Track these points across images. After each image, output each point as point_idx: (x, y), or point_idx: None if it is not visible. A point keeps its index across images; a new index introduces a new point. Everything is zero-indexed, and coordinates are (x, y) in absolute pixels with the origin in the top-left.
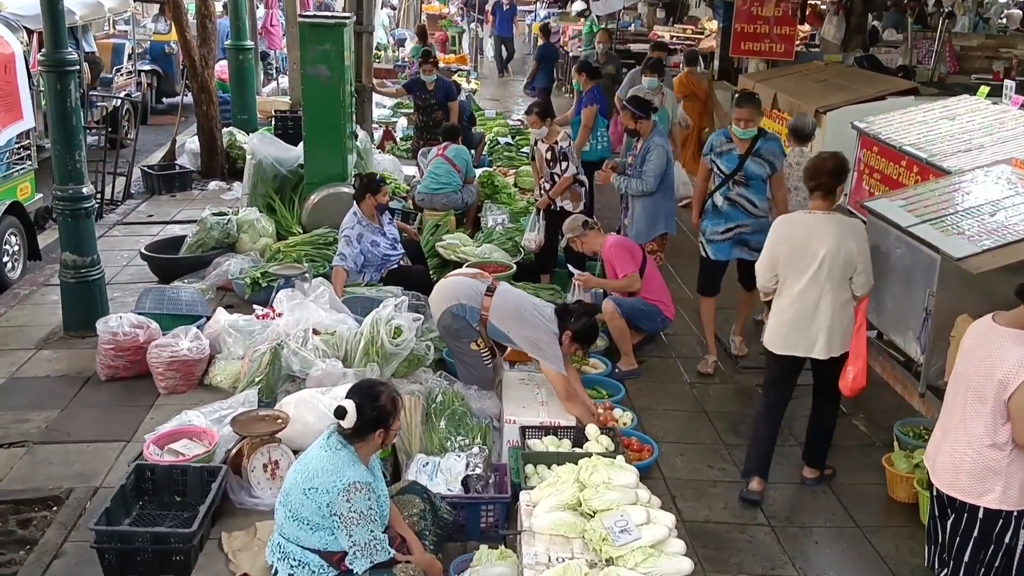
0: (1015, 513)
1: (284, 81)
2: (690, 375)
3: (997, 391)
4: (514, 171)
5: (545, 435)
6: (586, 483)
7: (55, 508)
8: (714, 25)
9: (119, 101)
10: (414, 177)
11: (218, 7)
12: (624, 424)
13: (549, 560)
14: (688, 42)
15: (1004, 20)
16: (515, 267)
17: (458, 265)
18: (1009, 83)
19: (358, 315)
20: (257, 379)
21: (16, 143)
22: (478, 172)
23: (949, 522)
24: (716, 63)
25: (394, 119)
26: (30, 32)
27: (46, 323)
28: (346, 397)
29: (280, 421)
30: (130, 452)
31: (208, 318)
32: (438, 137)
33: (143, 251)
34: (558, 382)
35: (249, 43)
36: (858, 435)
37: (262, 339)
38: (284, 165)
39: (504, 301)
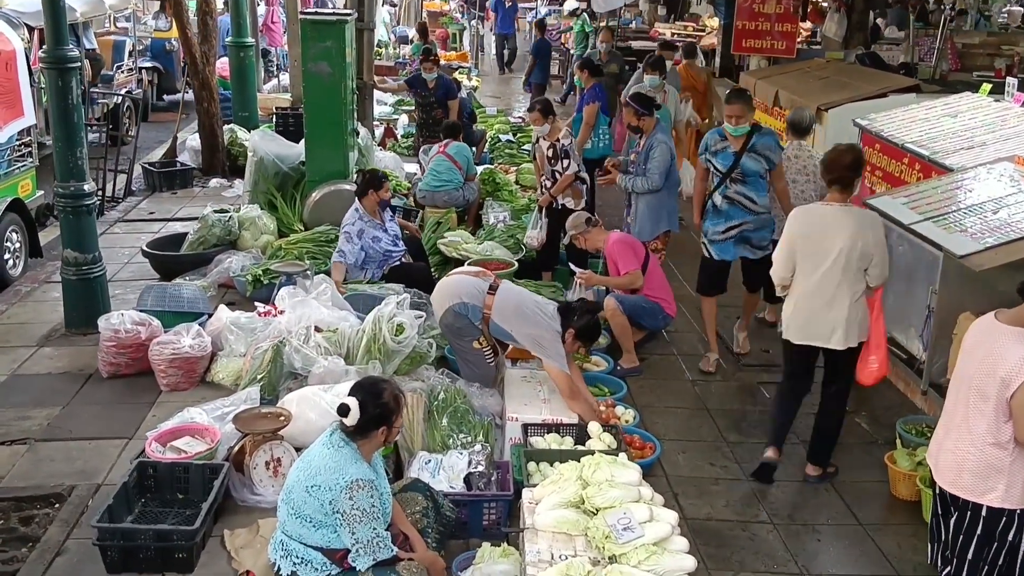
0: (1018, 511)
1: (285, 78)
2: (692, 372)
3: (999, 389)
4: (515, 168)
5: (547, 432)
6: (589, 480)
7: (57, 505)
8: (715, 22)
9: (120, 98)
10: (415, 174)
11: (219, 4)
12: (626, 422)
13: (552, 558)
14: (689, 39)
15: (1005, 18)
16: (517, 264)
17: (460, 263)
18: (1011, 80)
19: (360, 312)
20: (259, 376)
21: (17, 140)
22: (479, 169)
23: (952, 520)
24: (717, 60)
25: (395, 116)
26: (31, 29)
27: (47, 320)
28: (349, 394)
29: (282, 418)
30: (132, 449)
31: (210, 315)
32: (439, 135)
33: (144, 248)
34: (561, 380)
35: (250, 40)
36: (860, 433)
37: (264, 336)
38: (286, 162)
39: (506, 299)
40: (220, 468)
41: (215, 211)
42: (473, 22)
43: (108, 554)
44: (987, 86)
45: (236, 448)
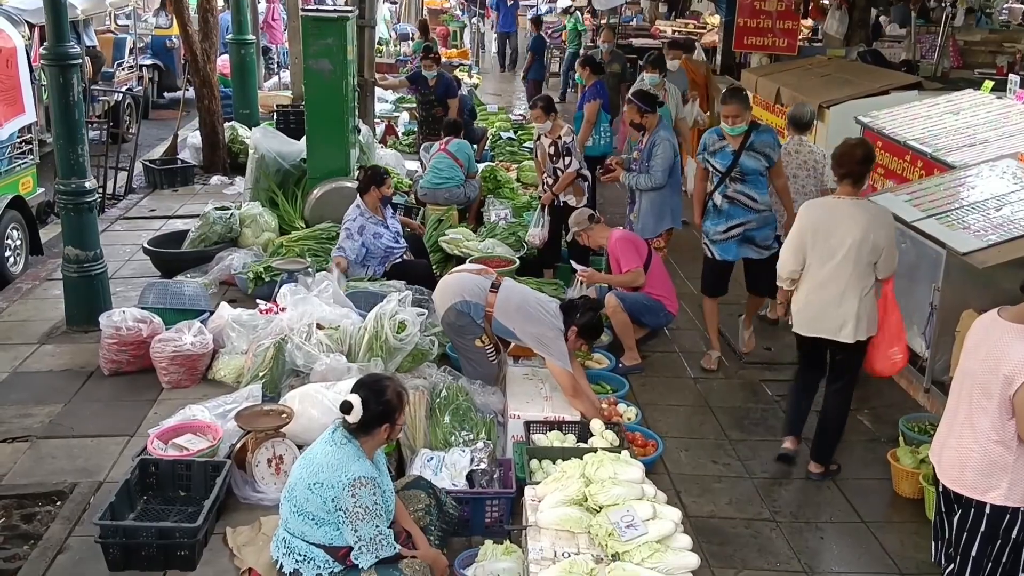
0: (1021, 509)
1: (286, 76)
2: (694, 370)
3: (1003, 387)
4: (516, 166)
5: (549, 430)
6: (592, 478)
7: (59, 503)
8: (716, 19)
9: (120, 96)
10: (416, 172)
11: (220, 1)
12: (628, 419)
13: (555, 555)
14: (690, 37)
15: (1006, 15)
16: (518, 262)
17: (461, 260)
18: (1014, 78)
19: (361, 310)
20: (261, 374)
21: (18, 137)
22: (480, 167)
23: (956, 518)
24: (719, 58)
25: (396, 114)
26: (32, 26)
27: (49, 318)
28: (352, 392)
29: (284, 416)
30: (133, 447)
31: (211, 313)
32: (439, 132)
33: (145, 246)
34: (563, 379)
35: (251, 37)
36: (863, 430)
37: (266, 334)
38: (287, 159)
39: (509, 297)
40: (222, 465)
41: (216, 208)
42: (474, 19)
43: (110, 551)
44: (989, 83)
45: (238, 445)
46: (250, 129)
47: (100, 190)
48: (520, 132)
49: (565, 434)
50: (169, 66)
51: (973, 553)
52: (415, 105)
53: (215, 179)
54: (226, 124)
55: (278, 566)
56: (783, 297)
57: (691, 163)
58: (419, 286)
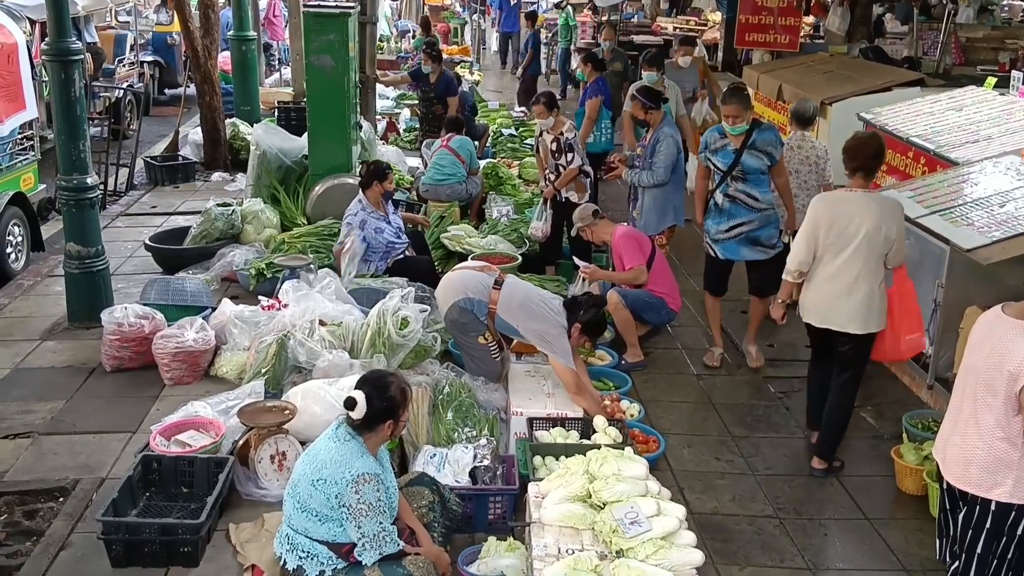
0: None
1: (287, 72)
2: (696, 367)
3: (1008, 383)
4: (518, 163)
5: (552, 427)
6: (596, 475)
7: (61, 499)
8: (717, 16)
9: (121, 92)
10: (418, 168)
11: None
12: (631, 416)
13: (559, 552)
14: (691, 34)
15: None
16: (520, 259)
17: (463, 257)
18: (1017, 74)
19: (364, 306)
20: (263, 370)
21: (19, 133)
22: (482, 163)
23: (961, 515)
24: (720, 55)
25: (397, 111)
26: (33, 22)
27: (50, 314)
28: (355, 388)
29: (287, 412)
30: (136, 443)
31: (213, 309)
32: (439, 130)
33: (147, 242)
34: (566, 376)
35: (252, 34)
36: (866, 427)
37: (268, 330)
38: (288, 156)
39: (512, 294)
40: (225, 462)
41: (218, 205)
42: (474, 16)
43: (113, 548)
44: (992, 79)
45: (241, 442)
46: (251, 126)
47: (101, 187)
48: (521, 129)
49: (568, 431)
50: (170, 63)
51: (978, 550)
52: (416, 102)
53: (216, 176)
54: (227, 121)
55: (281, 562)
56: (785, 294)
57: (692, 160)
58: (421, 282)
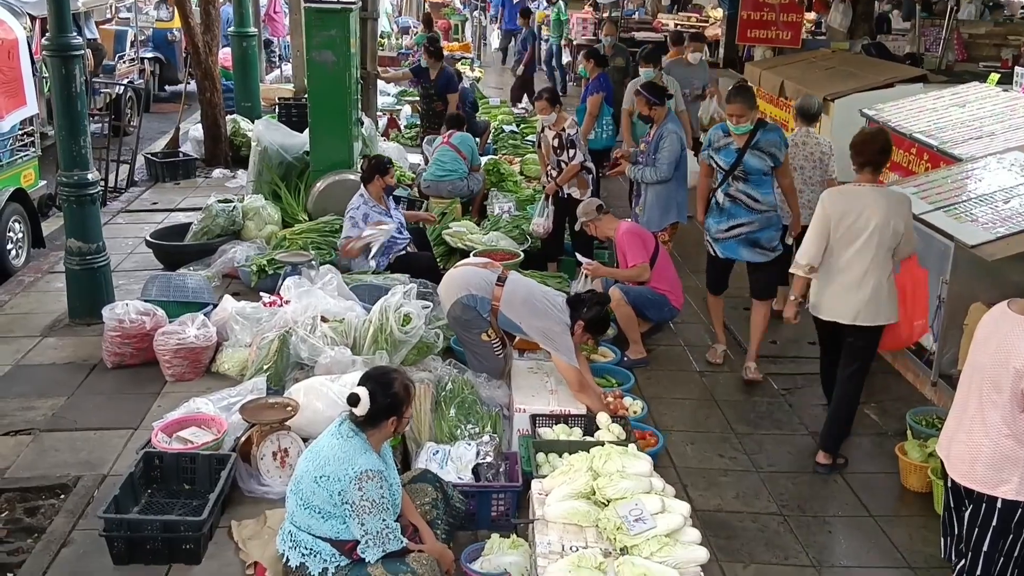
0: None
1: (287, 69)
2: (699, 363)
3: (1014, 380)
4: (519, 159)
5: (556, 423)
6: (600, 471)
7: (62, 496)
8: (719, 13)
9: (122, 88)
10: (419, 165)
11: None
12: (634, 412)
13: (563, 549)
14: (693, 30)
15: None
16: (522, 255)
17: (465, 253)
18: (1020, 70)
19: (365, 303)
20: (265, 367)
21: (20, 130)
22: (483, 160)
23: (967, 513)
24: (721, 51)
25: (398, 107)
26: (33, 18)
27: (51, 310)
28: (359, 384)
29: (290, 409)
30: (137, 440)
31: (215, 305)
32: (439, 126)
33: (148, 238)
34: (570, 374)
35: (252, 30)
36: (869, 424)
37: (270, 326)
38: (290, 152)
39: (515, 291)
40: (227, 458)
41: (219, 201)
42: (475, 13)
43: (115, 545)
44: (995, 76)
45: (243, 438)
46: (252, 122)
47: (102, 183)
48: (523, 126)
49: (571, 428)
50: (170, 59)
51: (985, 548)
52: (417, 99)
53: (217, 172)
54: (228, 117)
55: (284, 560)
56: (798, 290)
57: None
58: (423, 279)
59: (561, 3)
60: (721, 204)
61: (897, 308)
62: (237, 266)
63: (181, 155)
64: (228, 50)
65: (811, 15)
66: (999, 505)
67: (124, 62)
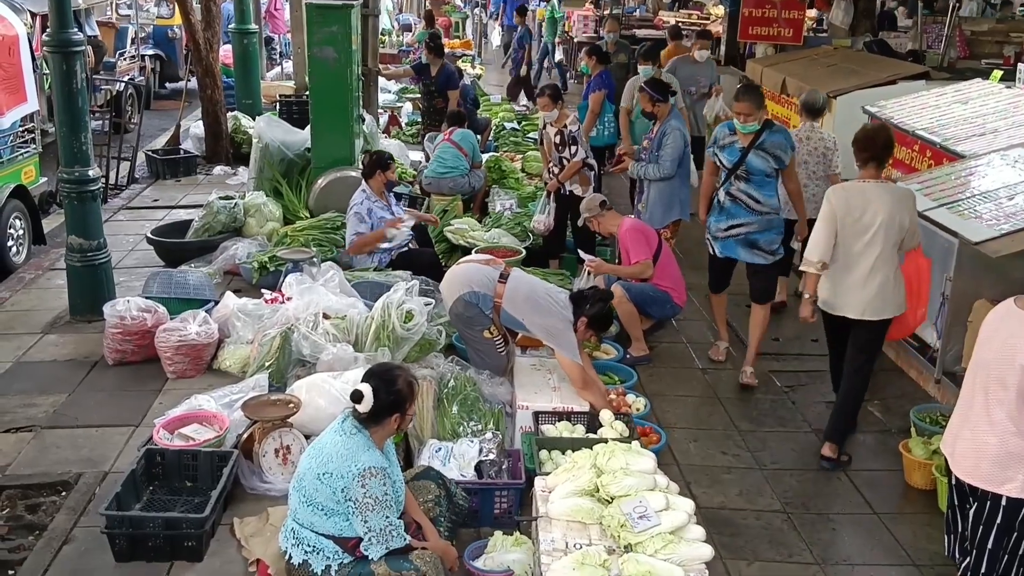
0: None
1: (288, 66)
2: (701, 361)
3: (1020, 377)
4: (521, 156)
5: (558, 420)
6: (603, 469)
7: (64, 493)
8: (720, 10)
9: (122, 85)
10: (420, 162)
11: None
12: (637, 410)
13: (567, 546)
14: (694, 28)
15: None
16: (524, 252)
17: (467, 250)
18: (1023, 67)
19: (367, 300)
20: (267, 363)
21: (20, 126)
22: (485, 157)
23: (971, 511)
24: (723, 48)
25: (399, 104)
26: (34, 15)
27: (52, 307)
28: (362, 381)
29: (292, 405)
30: (139, 437)
31: (216, 302)
32: (440, 123)
33: (149, 235)
34: (573, 371)
35: (253, 27)
36: (873, 421)
37: (271, 323)
38: (291, 149)
39: (517, 288)
40: (229, 456)
41: (220, 198)
42: (476, 10)
43: (116, 542)
44: (998, 72)
45: (245, 435)
46: (253, 119)
47: (102, 180)
48: (524, 123)
49: (574, 425)
50: (171, 56)
51: (989, 546)
52: (418, 96)
53: (218, 169)
54: (229, 114)
55: (287, 557)
56: (810, 289)
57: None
58: (425, 276)
59: (555, 1)
60: (722, 203)
61: (904, 299)
62: (238, 263)
63: (182, 152)
64: (229, 47)
65: (812, 12)
66: (1004, 503)
67: (125, 59)
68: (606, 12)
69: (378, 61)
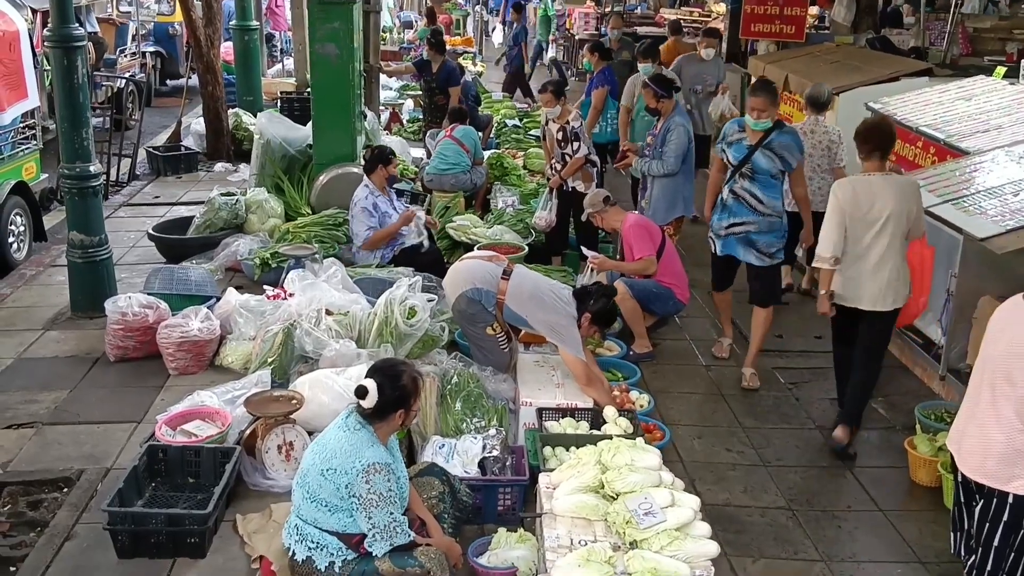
0: None
1: (289, 63)
2: (705, 357)
3: None
4: (523, 153)
5: (562, 417)
6: (608, 465)
7: (65, 489)
8: (722, 7)
9: (123, 82)
10: (422, 159)
11: None
12: (641, 406)
13: (571, 543)
14: (696, 25)
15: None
16: (527, 249)
17: (469, 247)
18: None
19: (370, 296)
20: (269, 360)
21: (21, 122)
22: (487, 154)
23: (977, 508)
24: (724, 45)
25: (401, 101)
26: (34, 11)
27: (53, 304)
28: (367, 376)
29: (295, 402)
30: (141, 433)
31: (218, 298)
32: (441, 120)
33: (150, 232)
34: (577, 367)
35: (254, 24)
36: (878, 418)
37: (274, 319)
38: (293, 145)
39: (521, 284)
40: (232, 452)
41: (222, 194)
42: (477, 7)
43: (119, 538)
44: (1001, 69)
45: (247, 432)
46: (254, 116)
47: (104, 177)
48: (526, 120)
49: (578, 421)
50: (172, 53)
51: (995, 543)
52: (420, 93)
53: (219, 166)
54: (230, 111)
55: (290, 553)
56: (825, 284)
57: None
58: (428, 272)
59: (548, 0)
60: (725, 201)
61: (911, 287)
62: (240, 259)
63: (183, 149)
64: (230, 44)
65: (814, 9)
66: (1010, 500)
67: (125, 56)
68: (607, 9)
69: (379, 58)
